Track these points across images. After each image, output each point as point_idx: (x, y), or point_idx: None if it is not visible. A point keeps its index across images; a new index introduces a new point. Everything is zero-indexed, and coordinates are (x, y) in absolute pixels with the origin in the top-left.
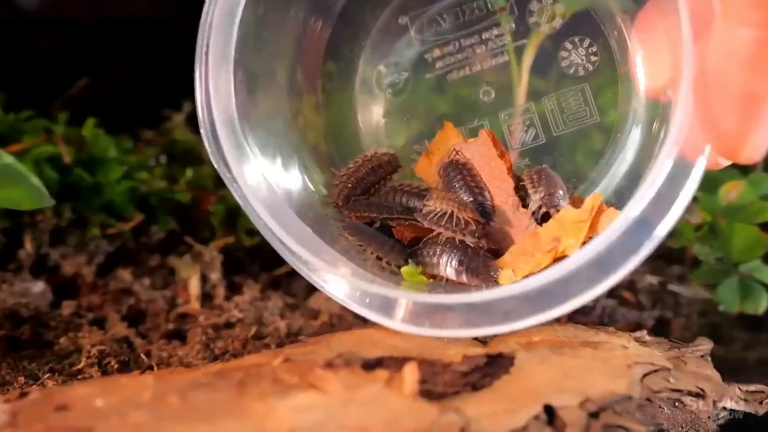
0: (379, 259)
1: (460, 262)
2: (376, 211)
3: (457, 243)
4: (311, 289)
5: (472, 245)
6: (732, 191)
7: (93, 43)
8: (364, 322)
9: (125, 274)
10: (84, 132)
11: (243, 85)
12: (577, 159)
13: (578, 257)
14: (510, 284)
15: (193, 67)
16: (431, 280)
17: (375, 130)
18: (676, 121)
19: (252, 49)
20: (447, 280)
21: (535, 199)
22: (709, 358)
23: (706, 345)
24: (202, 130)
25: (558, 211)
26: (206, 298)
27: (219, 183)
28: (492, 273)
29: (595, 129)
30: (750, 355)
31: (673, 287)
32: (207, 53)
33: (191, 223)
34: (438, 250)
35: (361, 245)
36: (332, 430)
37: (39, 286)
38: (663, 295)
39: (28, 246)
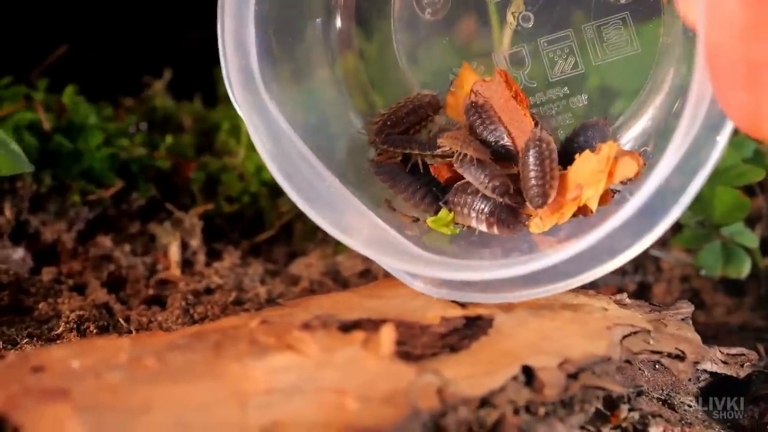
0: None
1: (491, 213)
2: (414, 147)
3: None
4: (292, 256)
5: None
6: None
7: (74, 10)
8: (343, 287)
9: (105, 241)
10: (64, 99)
11: (266, 37)
12: (615, 92)
13: (598, 233)
14: (529, 261)
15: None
16: (458, 230)
17: (414, 56)
18: (695, 83)
19: None
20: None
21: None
22: (690, 321)
23: (686, 308)
24: (227, 87)
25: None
26: (186, 264)
27: (199, 150)
28: (523, 222)
29: (636, 61)
30: (732, 319)
31: (654, 252)
32: (224, 8)
33: (171, 189)
34: (468, 200)
35: (392, 191)
36: (308, 391)
37: (19, 253)
38: (644, 260)
39: (8, 212)
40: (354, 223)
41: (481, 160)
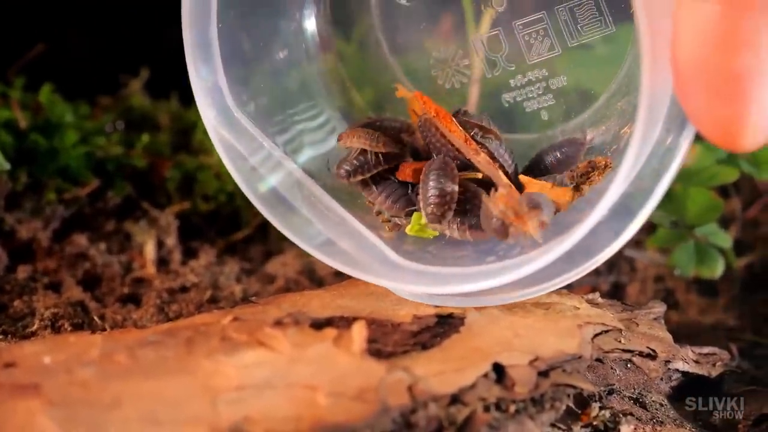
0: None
1: (462, 222)
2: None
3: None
4: (268, 255)
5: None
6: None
7: (51, 8)
8: (319, 286)
9: (81, 239)
10: (40, 97)
11: (236, 53)
12: (590, 75)
13: (572, 239)
14: (501, 274)
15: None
16: (438, 232)
17: (395, 45)
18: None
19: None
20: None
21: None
22: (662, 321)
23: (658, 307)
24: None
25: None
26: (162, 263)
27: (175, 148)
28: None
29: (610, 42)
30: (705, 319)
31: (629, 252)
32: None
33: (148, 188)
34: None
35: (367, 197)
36: (280, 387)
37: None
38: (619, 261)
39: None
40: (335, 231)
41: (442, 172)
